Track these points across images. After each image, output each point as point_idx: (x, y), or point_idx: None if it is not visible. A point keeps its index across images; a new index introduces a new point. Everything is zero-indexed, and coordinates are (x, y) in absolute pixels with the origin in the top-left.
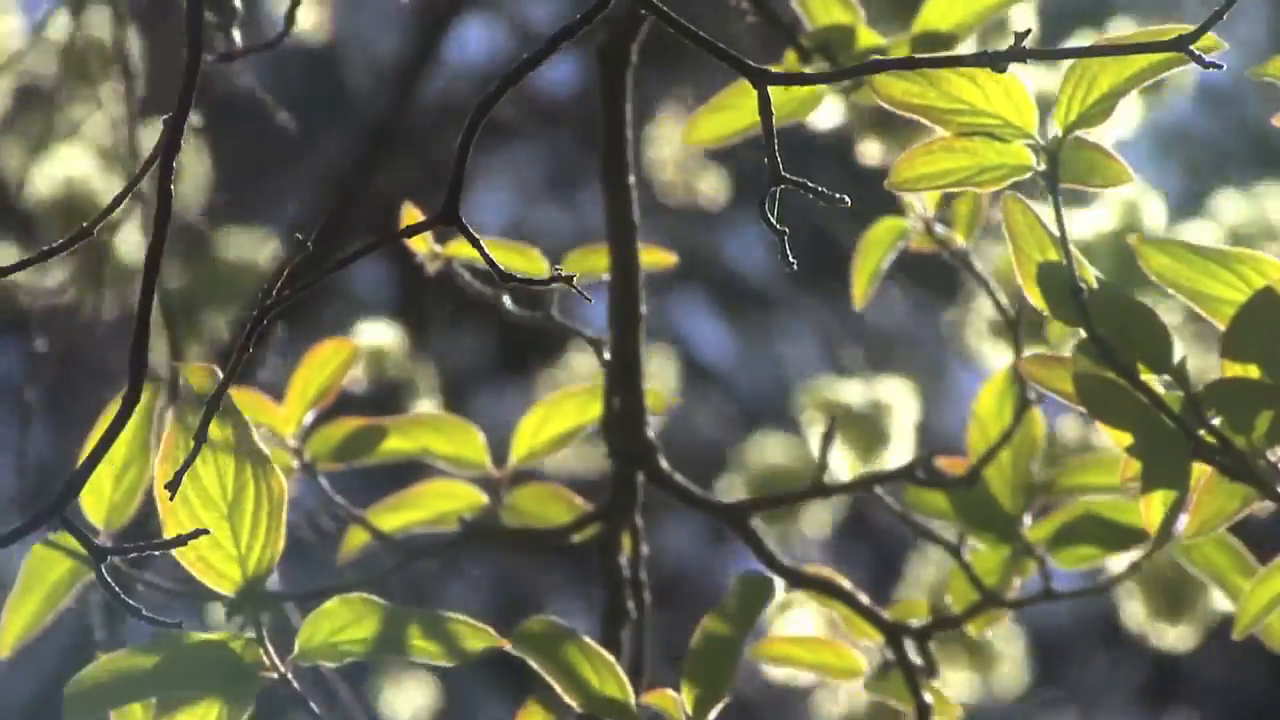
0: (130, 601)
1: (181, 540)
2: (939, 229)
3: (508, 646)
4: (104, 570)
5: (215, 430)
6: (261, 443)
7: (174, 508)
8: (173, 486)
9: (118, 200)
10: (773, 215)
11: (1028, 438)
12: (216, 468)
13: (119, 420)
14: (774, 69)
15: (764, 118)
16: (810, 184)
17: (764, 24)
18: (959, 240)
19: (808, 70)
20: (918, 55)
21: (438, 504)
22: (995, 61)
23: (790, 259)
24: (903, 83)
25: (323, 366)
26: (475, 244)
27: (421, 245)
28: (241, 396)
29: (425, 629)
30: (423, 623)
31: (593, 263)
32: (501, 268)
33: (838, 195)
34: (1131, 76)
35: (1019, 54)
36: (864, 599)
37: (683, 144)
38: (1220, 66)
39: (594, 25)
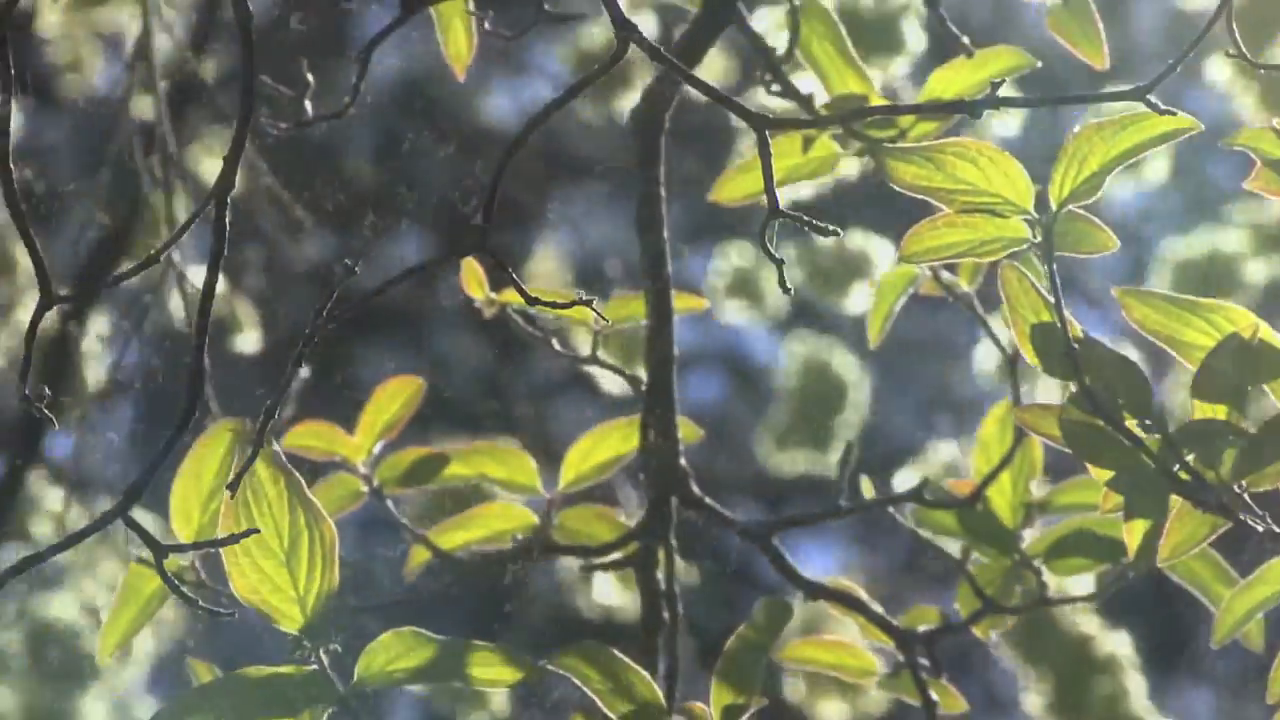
0: (187, 593)
1: (234, 539)
2: (945, 275)
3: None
4: (163, 565)
5: (269, 485)
6: (311, 495)
7: (237, 557)
8: (233, 486)
9: (183, 228)
10: (771, 246)
11: (1026, 460)
12: (274, 521)
13: (177, 431)
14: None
15: (763, 157)
16: (805, 216)
17: (784, 94)
18: (963, 286)
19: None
20: (901, 104)
21: (494, 524)
22: (973, 109)
23: (787, 285)
24: (911, 167)
25: (391, 401)
26: (504, 271)
27: (477, 291)
28: (317, 428)
29: (469, 658)
30: (466, 652)
31: (631, 309)
32: (532, 296)
33: (829, 227)
34: (1118, 156)
35: (994, 102)
36: (878, 609)
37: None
38: (1177, 114)
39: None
